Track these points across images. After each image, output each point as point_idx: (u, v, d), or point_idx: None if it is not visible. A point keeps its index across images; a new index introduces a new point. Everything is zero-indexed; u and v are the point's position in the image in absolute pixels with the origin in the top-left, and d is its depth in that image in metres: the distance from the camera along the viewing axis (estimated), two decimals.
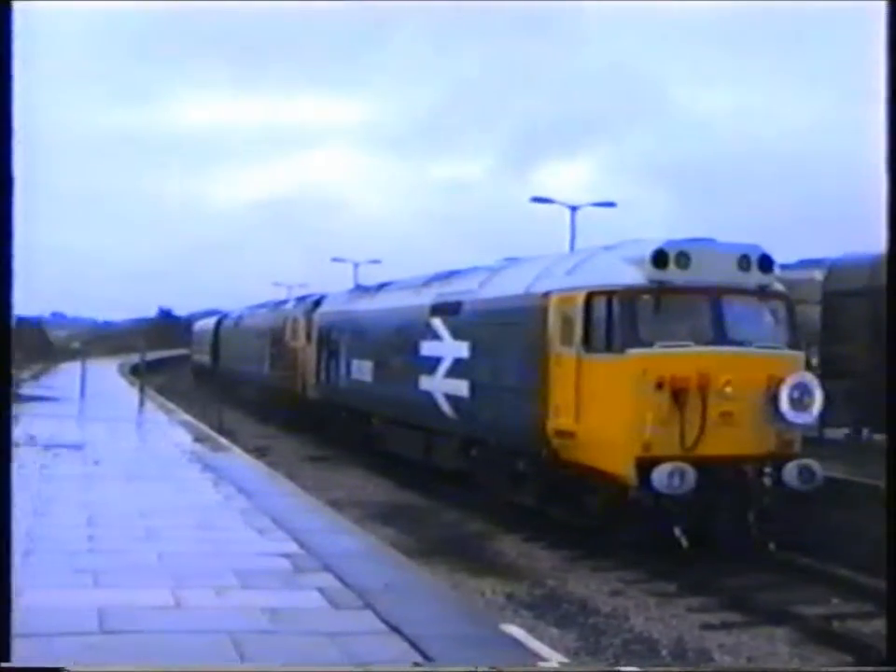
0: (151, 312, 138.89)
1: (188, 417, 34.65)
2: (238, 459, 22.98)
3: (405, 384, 23.14)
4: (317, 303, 35.20)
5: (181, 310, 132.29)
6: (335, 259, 72.93)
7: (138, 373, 46.41)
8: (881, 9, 5.58)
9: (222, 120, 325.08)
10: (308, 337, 34.59)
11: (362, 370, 26.92)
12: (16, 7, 5.36)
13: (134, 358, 64.06)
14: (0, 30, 5.33)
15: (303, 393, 34.46)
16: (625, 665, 11.34)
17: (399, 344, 24.13)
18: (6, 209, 5.41)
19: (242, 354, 48.76)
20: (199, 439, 26.42)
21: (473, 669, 7.77)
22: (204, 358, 64.87)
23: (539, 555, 16.73)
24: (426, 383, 22.02)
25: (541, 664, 8.69)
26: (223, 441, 26.88)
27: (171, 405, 40.48)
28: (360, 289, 33.12)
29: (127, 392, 46.21)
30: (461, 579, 14.59)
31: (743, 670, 11.66)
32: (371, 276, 55.10)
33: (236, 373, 50.48)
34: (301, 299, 41.16)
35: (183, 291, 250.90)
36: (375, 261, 69.58)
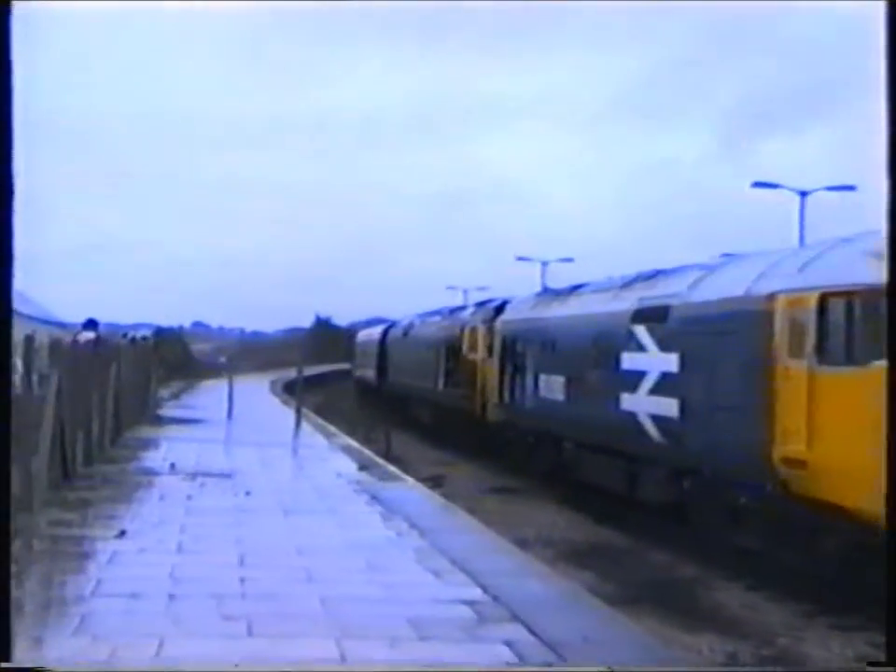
0: (307, 321, 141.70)
1: (350, 441, 35.04)
2: (410, 490, 23.12)
3: (603, 403, 23.04)
4: (499, 310, 35.32)
5: (341, 319, 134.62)
6: (520, 259, 73.88)
7: (294, 391, 47.14)
8: (881, 9, 5.91)
9: (382, 102, 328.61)
10: (489, 349, 34.73)
11: (552, 386, 26.89)
12: (16, 7, 5.79)
13: (288, 374, 65.18)
14: (0, 30, 5.72)
15: (483, 413, 34.58)
16: None
17: (596, 357, 24.04)
18: (5, 210, 5.76)
19: (412, 368, 49.22)
20: (364, 466, 26.68)
21: (605, 669, 8.16)
22: (369, 374, 65.80)
23: (765, 608, 16.45)
24: (628, 401, 21.88)
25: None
26: (392, 468, 27.10)
27: (331, 427, 40.99)
28: (550, 293, 33.11)
29: (281, 413, 46.96)
30: (673, 633, 14.38)
31: (743, 670, 11.84)
32: (561, 277, 55.18)
33: (406, 391, 51.00)
34: (480, 304, 41.37)
35: (343, 298, 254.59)
36: (567, 260, 70.13)
